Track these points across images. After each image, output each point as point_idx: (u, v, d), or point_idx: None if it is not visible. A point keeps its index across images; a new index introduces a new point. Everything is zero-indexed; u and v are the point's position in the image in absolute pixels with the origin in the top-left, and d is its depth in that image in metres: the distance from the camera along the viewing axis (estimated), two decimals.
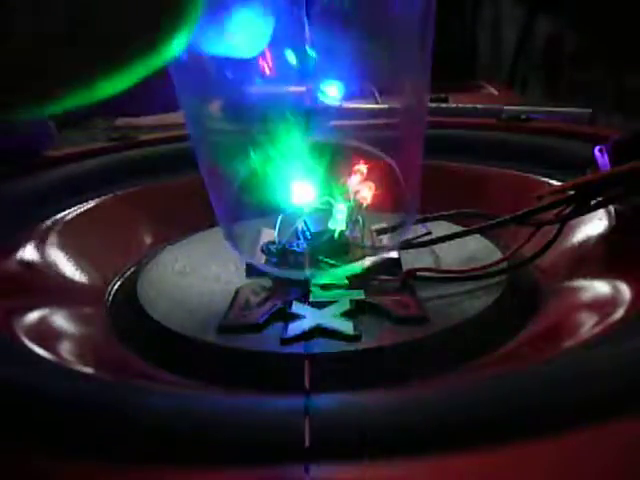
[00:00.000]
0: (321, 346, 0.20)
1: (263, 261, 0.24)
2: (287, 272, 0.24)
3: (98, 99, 0.14)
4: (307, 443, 0.12)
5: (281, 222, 0.24)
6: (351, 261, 0.24)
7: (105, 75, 0.14)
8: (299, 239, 0.24)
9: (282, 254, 0.24)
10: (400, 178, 0.23)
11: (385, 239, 0.26)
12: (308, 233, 0.24)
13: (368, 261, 0.24)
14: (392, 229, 0.25)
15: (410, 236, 0.25)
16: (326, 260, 0.23)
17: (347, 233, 0.24)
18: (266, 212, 0.25)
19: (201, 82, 0.21)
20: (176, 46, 0.14)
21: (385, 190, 0.24)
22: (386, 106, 0.23)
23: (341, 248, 0.24)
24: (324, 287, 0.23)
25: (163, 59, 0.14)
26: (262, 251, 0.25)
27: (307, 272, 0.23)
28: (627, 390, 0.13)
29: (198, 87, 0.21)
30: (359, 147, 0.24)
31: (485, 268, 0.23)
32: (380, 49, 0.22)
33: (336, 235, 0.24)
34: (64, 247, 0.27)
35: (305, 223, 0.24)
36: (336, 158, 0.24)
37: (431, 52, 0.21)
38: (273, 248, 0.24)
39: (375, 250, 0.24)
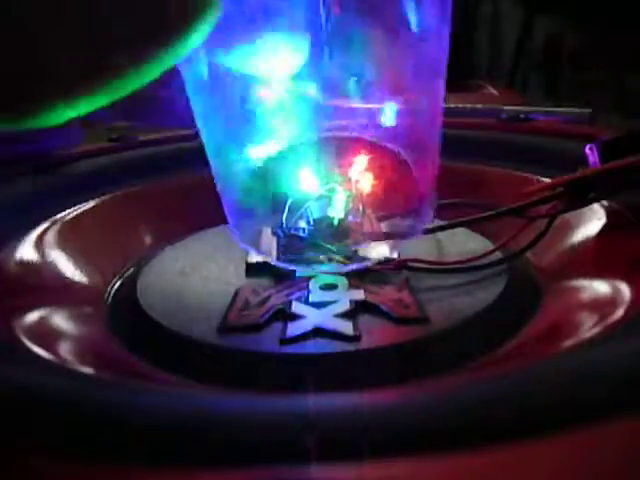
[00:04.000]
0: (321, 346, 0.20)
1: (266, 251, 0.25)
2: (288, 264, 0.24)
3: (113, 101, 0.14)
4: (307, 443, 0.12)
5: (288, 208, 0.25)
6: (351, 246, 0.24)
7: (120, 75, 0.14)
8: (304, 225, 0.25)
9: (288, 238, 0.24)
10: (412, 171, 0.23)
11: (385, 226, 0.26)
12: (311, 219, 0.24)
13: (367, 247, 0.24)
14: (394, 216, 0.25)
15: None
16: (326, 246, 0.24)
17: (349, 220, 0.24)
18: (272, 201, 0.25)
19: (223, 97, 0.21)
20: (191, 43, 0.14)
21: (396, 184, 0.25)
22: (398, 106, 0.23)
23: (342, 234, 0.24)
24: (324, 287, 0.23)
25: (177, 56, 0.14)
26: (273, 234, 0.25)
27: (308, 261, 0.24)
28: (627, 390, 0.13)
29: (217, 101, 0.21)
30: (369, 140, 0.24)
31: (472, 260, 0.24)
32: (396, 47, 0.22)
33: (335, 222, 0.24)
34: (64, 247, 0.27)
35: (308, 210, 0.24)
36: (343, 149, 0.24)
37: (447, 49, 0.21)
38: (280, 232, 0.25)
39: (375, 236, 0.25)
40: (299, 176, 0.24)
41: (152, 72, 0.14)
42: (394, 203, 0.25)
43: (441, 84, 0.22)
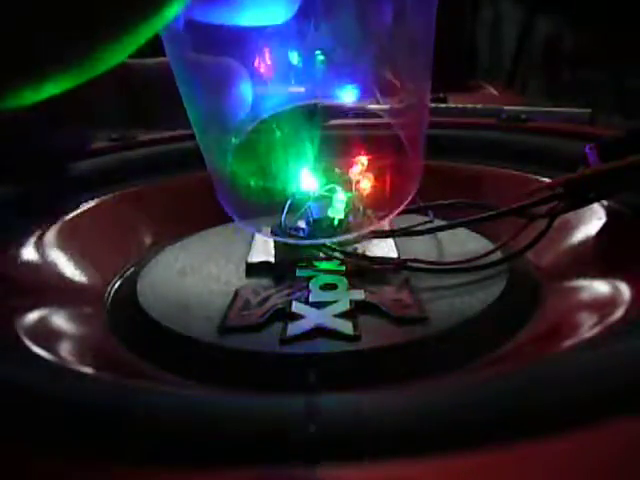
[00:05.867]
0: (321, 346, 0.20)
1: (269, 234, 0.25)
2: (292, 240, 0.24)
3: (93, 74, 0.13)
4: (307, 443, 0.12)
5: (288, 207, 0.25)
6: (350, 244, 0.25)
7: (94, 50, 0.13)
8: (303, 224, 0.25)
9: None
10: (405, 144, 0.23)
11: (386, 225, 0.26)
12: (311, 219, 0.24)
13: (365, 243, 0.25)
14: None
15: (409, 224, 0.25)
16: (326, 243, 0.24)
17: (348, 220, 0.24)
18: (270, 200, 0.25)
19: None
20: (173, 8, 0.13)
21: (388, 159, 0.25)
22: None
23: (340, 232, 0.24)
24: (324, 287, 0.23)
25: (158, 25, 0.13)
26: (272, 232, 0.25)
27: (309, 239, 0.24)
28: (627, 390, 0.13)
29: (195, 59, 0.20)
30: (363, 108, 0.23)
31: (472, 260, 0.24)
32: (381, 44, 0.22)
33: (335, 222, 0.24)
34: (64, 247, 0.27)
35: (308, 209, 0.24)
36: (340, 145, 0.24)
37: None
38: (279, 230, 0.25)
39: (372, 233, 0.25)
40: (289, 147, 0.24)
41: (130, 45, 0.13)
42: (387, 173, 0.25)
43: (429, 55, 0.22)
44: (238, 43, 0.20)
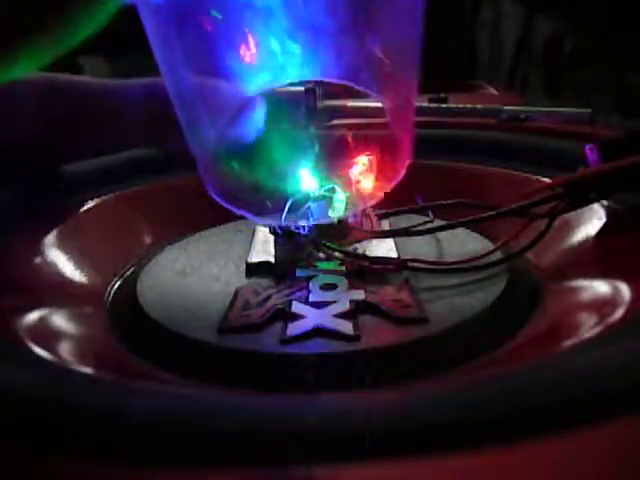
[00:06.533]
0: (321, 346, 0.20)
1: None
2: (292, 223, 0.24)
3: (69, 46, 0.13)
4: (306, 443, 0.12)
5: (288, 207, 0.25)
6: (350, 243, 0.25)
7: (65, 18, 0.12)
8: (303, 224, 0.25)
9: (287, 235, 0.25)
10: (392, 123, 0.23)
11: (387, 224, 0.27)
12: (311, 219, 0.24)
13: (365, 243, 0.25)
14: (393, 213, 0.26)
15: (409, 224, 0.26)
16: (326, 243, 0.24)
17: (348, 219, 0.25)
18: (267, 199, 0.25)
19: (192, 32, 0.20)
20: None
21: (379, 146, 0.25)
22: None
23: (341, 232, 0.25)
24: (324, 287, 0.23)
25: None
26: (270, 232, 0.25)
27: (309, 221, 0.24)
28: (627, 390, 0.13)
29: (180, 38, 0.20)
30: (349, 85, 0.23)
31: (472, 260, 0.24)
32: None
33: (335, 222, 0.24)
34: (64, 247, 0.27)
35: (309, 209, 0.25)
36: (337, 144, 0.24)
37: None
38: (279, 230, 0.25)
39: (374, 233, 0.25)
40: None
41: (102, 12, 0.12)
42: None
43: (418, 24, 0.22)
44: (221, 17, 0.20)
